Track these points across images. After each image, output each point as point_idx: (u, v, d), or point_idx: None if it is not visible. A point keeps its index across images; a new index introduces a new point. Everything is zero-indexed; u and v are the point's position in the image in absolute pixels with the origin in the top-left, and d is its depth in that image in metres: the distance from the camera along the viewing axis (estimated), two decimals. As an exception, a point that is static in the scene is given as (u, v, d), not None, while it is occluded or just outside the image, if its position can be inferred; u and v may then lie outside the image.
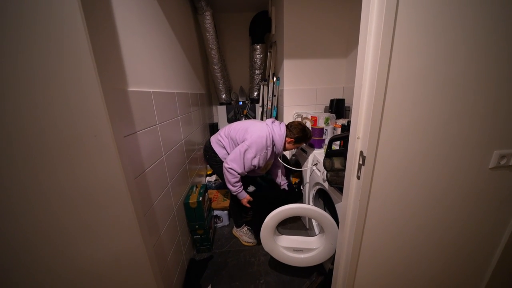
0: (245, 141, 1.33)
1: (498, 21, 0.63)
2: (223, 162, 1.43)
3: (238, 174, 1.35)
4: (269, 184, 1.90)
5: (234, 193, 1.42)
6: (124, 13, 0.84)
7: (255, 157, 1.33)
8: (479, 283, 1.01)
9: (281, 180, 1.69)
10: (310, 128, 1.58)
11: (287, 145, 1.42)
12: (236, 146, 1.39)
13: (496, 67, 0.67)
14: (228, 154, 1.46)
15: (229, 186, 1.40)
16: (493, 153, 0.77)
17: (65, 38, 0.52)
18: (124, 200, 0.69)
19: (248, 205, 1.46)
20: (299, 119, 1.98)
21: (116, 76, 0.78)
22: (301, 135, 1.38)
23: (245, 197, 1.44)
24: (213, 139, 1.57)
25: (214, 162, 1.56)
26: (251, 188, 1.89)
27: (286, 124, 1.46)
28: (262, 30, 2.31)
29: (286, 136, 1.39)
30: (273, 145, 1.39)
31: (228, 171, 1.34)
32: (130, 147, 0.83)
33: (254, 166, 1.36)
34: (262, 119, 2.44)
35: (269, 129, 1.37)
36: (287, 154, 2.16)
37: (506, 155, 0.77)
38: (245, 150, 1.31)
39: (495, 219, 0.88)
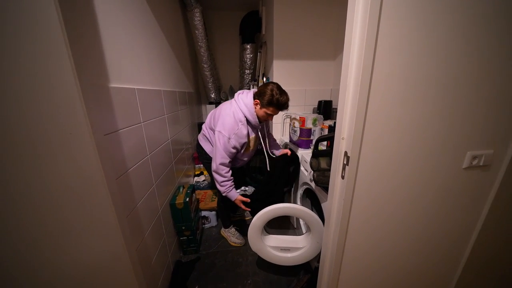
0: (216, 130, 1.23)
1: (475, 28, 0.67)
2: (206, 152, 1.42)
3: (224, 166, 1.24)
4: (265, 179, 1.68)
5: (224, 194, 1.31)
6: (105, 4, 0.80)
7: (229, 138, 1.21)
8: (452, 275, 1.07)
9: (282, 150, 1.56)
10: (298, 128, 1.59)
11: (256, 109, 1.24)
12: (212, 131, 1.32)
13: (473, 71, 0.71)
14: (211, 144, 1.40)
15: (218, 187, 1.32)
16: (466, 154, 0.82)
17: (37, 29, 0.49)
18: (104, 201, 0.66)
19: (243, 206, 1.32)
20: (288, 120, 1.99)
21: (96, 71, 0.74)
22: (269, 94, 1.18)
23: (236, 197, 1.32)
24: (200, 135, 1.54)
25: (205, 159, 1.49)
26: (249, 190, 1.75)
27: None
28: (252, 29, 2.31)
29: (254, 98, 1.24)
30: (246, 118, 1.25)
31: (214, 172, 1.27)
32: (111, 145, 0.79)
33: (235, 148, 1.25)
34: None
35: (234, 105, 1.25)
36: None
37: (478, 156, 0.82)
38: (218, 138, 1.21)
39: (468, 216, 0.94)
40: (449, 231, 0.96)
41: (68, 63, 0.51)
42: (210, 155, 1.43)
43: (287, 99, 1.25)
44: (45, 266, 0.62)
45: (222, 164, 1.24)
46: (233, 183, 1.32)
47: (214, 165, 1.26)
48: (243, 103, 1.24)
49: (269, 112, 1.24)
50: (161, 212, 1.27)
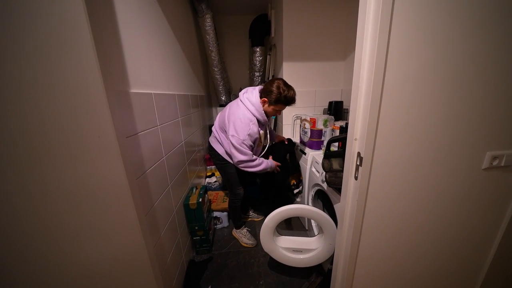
0: (229, 135, 1.25)
1: (491, 26, 0.65)
2: (225, 160, 1.45)
3: (250, 160, 1.27)
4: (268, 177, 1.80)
5: (266, 170, 1.34)
6: (126, 16, 0.85)
7: (244, 140, 1.24)
8: (474, 281, 1.03)
9: (278, 137, 1.69)
10: (309, 130, 1.59)
11: (264, 107, 1.28)
12: (225, 135, 1.35)
13: (490, 70, 0.69)
14: (224, 148, 1.43)
15: (255, 170, 1.31)
16: (486, 154, 0.79)
17: (70, 41, 0.53)
18: (126, 200, 0.70)
19: (278, 169, 1.47)
20: (298, 121, 2.00)
21: (119, 78, 0.80)
22: (276, 92, 1.20)
23: (273, 164, 1.38)
24: (211, 137, 1.57)
25: (218, 160, 1.50)
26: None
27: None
28: (261, 33, 2.34)
29: (261, 97, 1.27)
30: (255, 117, 1.27)
31: (241, 166, 1.30)
32: (132, 148, 0.84)
33: (250, 147, 1.28)
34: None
35: (242, 107, 1.26)
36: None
37: (498, 156, 0.79)
38: (234, 142, 1.23)
39: (489, 219, 0.90)
40: (470, 234, 0.92)
41: (97, 72, 0.56)
42: (222, 156, 1.47)
43: (294, 93, 1.27)
44: (69, 262, 0.67)
45: (244, 160, 1.26)
46: (262, 158, 1.36)
47: (237, 162, 1.28)
48: (250, 102, 1.26)
49: (277, 108, 1.27)
50: (176, 212, 1.31)
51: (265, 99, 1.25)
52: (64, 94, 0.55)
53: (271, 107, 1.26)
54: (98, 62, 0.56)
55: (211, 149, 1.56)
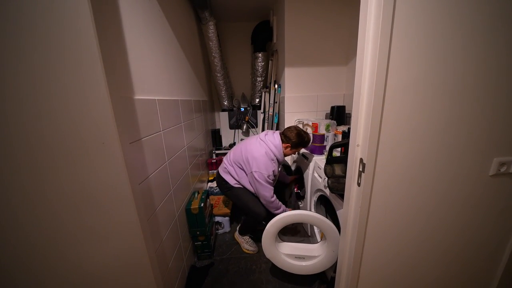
0: (252, 171, 1.38)
1: (496, 29, 0.65)
2: (233, 187, 1.52)
3: (272, 197, 1.41)
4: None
5: (282, 212, 1.45)
6: (131, 24, 0.88)
7: (268, 175, 1.39)
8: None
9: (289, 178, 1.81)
10: (311, 134, 1.59)
11: (285, 151, 1.46)
12: (242, 170, 1.48)
13: (495, 74, 0.69)
14: (235, 179, 1.52)
15: (274, 212, 1.44)
16: (493, 161, 0.78)
17: (77, 50, 0.55)
18: (128, 205, 0.70)
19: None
20: (300, 126, 2.00)
21: (124, 85, 0.81)
22: (297, 140, 1.42)
23: (285, 210, 1.48)
24: (220, 168, 1.64)
25: (226, 188, 1.58)
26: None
27: (282, 131, 1.50)
28: (263, 38, 2.37)
29: (282, 141, 1.44)
30: (276, 157, 1.44)
31: (268, 205, 1.43)
32: (135, 153, 0.85)
33: (273, 180, 1.45)
34: (263, 125, 2.46)
35: (264, 146, 1.41)
36: (289, 161, 2.17)
37: (506, 162, 0.78)
38: (259, 177, 1.37)
39: (497, 226, 0.88)
40: (475, 241, 0.90)
41: (102, 79, 0.57)
42: (233, 185, 1.53)
43: (309, 137, 1.50)
44: (70, 267, 0.67)
45: (270, 196, 1.41)
46: (281, 203, 1.50)
47: (264, 200, 1.43)
48: (272, 145, 1.42)
49: (297, 151, 1.49)
50: (178, 217, 1.31)
51: (288, 144, 1.44)
52: (69, 101, 0.57)
53: (293, 150, 1.47)
54: (104, 70, 0.58)
55: (220, 179, 1.60)
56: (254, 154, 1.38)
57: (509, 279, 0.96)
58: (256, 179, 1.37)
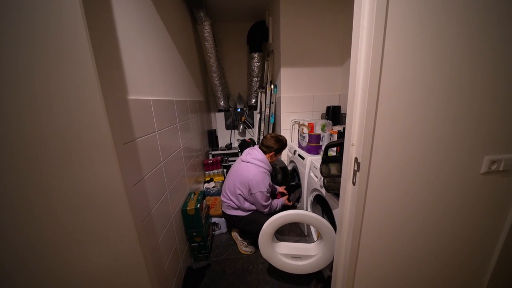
0: (253, 193, 1.47)
1: (486, 31, 0.67)
2: (244, 217, 1.57)
3: (269, 205, 1.53)
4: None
5: (278, 208, 1.60)
6: (124, 23, 0.87)
7: (267, 189, 1.50)
8: (478, 286, 1.01)
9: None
10: (307, 135, 1.61)
11: (271, 160, 1.58)
12: (243, 197, 1.53)
13: (487, 74, 0.70)
14: (242, 209, 1.57)
15: (278, 209, 1.58)
16: (484, 159, 0.79)
17: (68, 49, 0.54)
18: (122, 207, 0.69)
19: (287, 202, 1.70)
20: (296, 126, 2.01)
21: (117, 85, 0.80)
22: (278, 145, 1.55)
23: (283, 202, 1.64)
24: (223, 209, 1.67)
25: (237, 220, 1.60)
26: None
27: (259, 144, 1.63)
28: (259, 39, 2.37)
29: (264, 153, 1.56)
30: (267, 170, 1.56)
31: (267, 207, 1.53)
32: (129, 154, 0.84)
33: (269, 190, 1.56)
34: (260, 126, 2.46)
35: (253, 166, 1.51)
36: (285, 161, 2.17)
37: (497, 160, 0.79)
38: (260, 196, 1.47)
39: (489, 223, 0.90)
40: (470, 238, 0.92)
41: (94, 79, 0.56)
42: (244, 216, 1.58)
43: (285, 138, 1.63)
44: (66, 268, 0.66)
45: (268, 206, 1.53)
46: (275, 200, 1.64)
47: (264, 210, 1.53)
48: (259, 161, 1.53)
49: (280, 155, 1.61)
50: (173, 218, 1.30)
51: (272, 152, 1.55)
52: (61, 101, 0.55)
53: (277, 156, 1.59)
54: (96, 69, 0.57)
55: (229, 217, 1.63)
56: (250, 177, 1.47)
57: (499, 275, 0.98)
58: (258, 200, 1.48)
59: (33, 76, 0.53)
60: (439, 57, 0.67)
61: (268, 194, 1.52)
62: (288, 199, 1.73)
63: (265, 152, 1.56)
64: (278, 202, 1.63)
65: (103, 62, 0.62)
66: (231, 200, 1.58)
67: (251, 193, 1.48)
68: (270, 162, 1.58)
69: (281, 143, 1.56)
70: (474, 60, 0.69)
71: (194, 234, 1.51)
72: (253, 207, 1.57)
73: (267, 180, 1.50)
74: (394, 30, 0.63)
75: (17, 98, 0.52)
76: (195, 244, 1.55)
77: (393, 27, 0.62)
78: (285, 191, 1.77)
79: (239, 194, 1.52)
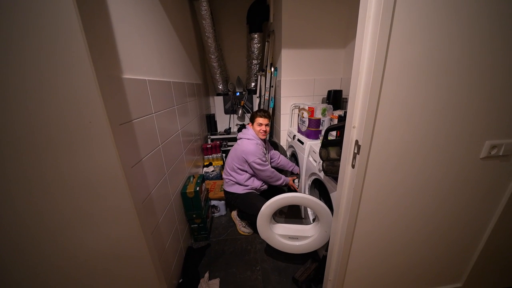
0: (250, 162, 1.55)
1: (493, 14, 0.63)
2: (240, 194, 1.61)
3: (268, 172, 1.60)
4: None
5: (284, 183, 1.69)
6: (116, -4, 0.80)
7: (262, 157, 1.57)
8: (466, 265, 1.07)
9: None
10: (307, 119, 1.59)
11: (255, 131, 1.64)
12: (241, 171, 1.61)
13: (490, 58, 0.68)
14: (241, 185, 1.62)
15: (277, 184, 1.66)
16: (484, 143, 0.79)
17: (56, 23, 0.50)
18: (121, 187, 0.69)
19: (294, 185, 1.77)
20: (296, 111, 1.98)
21: (111, 62, 0.76)
22: (251, 115, 1.68)
23: (287, 181, 1.72)
24: (225, 186, 1.72)
25: (234, 197, 1.64)
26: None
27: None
28: (260, 18, 2.25)
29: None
30: (256, 140, 1.63)
31: (266, 173, 1.59)
32: (126, 135, 0.82)
33: (266, 159, 1.65)
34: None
35: (246, 140, 1.62)
36: (284, 146, 2.17)
37: (497, 145, 0.79)
38: (255, 162, 1.54)
39: (482, 207, 0.92)
40: (464, 220, 0.95)
41: (86, 55, 0.53)
42: (241, 192, 1.62)
43: (262, 109, 1.72)
44: (63, 253, 0.66)
45: (270, 172, 1.61)
46: (281, 174, 1.70)
47: (266, 179, 1.62)
48: (249, 135, 1.64)
49: (258, 123, 1.63)
50: (173, 200, 1.32)
51: (250, 124, 1.70)
52: (50, 78, 0.53)
53: (254, 125, 1.65)
54: (87, 45, 0.53)
55: (228, 194, 1.68)
56: (244, 149, 1.57)
57: (487, 256, 1.02)
58: (256, 167, 1.56)
59: (23, 52, 0.49)
60: (446, 39, 0.64)
61: (264, 161, 1.59)
62: (293, 189, 1.77)
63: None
64: (282, 175, 1.69)
65: (94, 36, 0.58)
66: (230, 175, 1.65)
67: (248, 164, 1.57)
68: (257, 134, 1.66)
69: (252, 113, 1.70)
70: (478, 44, 0.66)
71: (194, 215, 1.54)
72: (250, 183, 1.62)
73: (259, 149, 1.59)
74: (403, 9, 0.59)
75: (5, 76, 0.49)
76: (195, 225, 1.59)
77: (402, 5, 0.59)
78: (294, 184, 1.79)
79: (237, 167, 1.61)
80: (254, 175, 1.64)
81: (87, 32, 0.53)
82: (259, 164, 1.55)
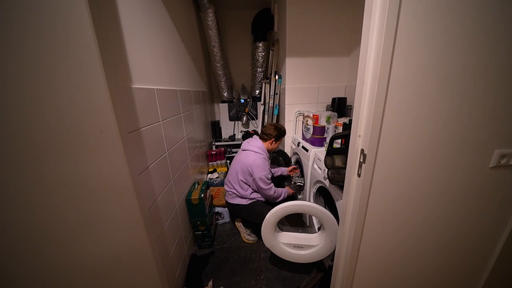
0: (255, 178, 1.52)
1: (498, 21, 0.63)
2: (245, 205, 1.60)
3: (273, 190, 1.56)
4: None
5: (284, 197, 1.63)
6: (128, 11, 0.84)
7: (267, 174, 1.54)
8: (478, 280, 1.02)
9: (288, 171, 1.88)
10: (311, 126, 1.59)
11: (270, 146, 1.64)
12: (244, 184, 1.58)
13: (496, 66, 0.67)
14: (244, 197, 1.60)
15: (281, 198, 1.61)
16: (493, 153, 0.77)
17: (72, 37, 0.53)
18: (128, 194, 0.70)
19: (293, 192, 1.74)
20: (301, 118, 1.99)
21: (121, 74, 0.79)
22: (277, 132, 1.62)
23: (288, 192, 1.67)
24: (227, 197, 1.70)
25: (239, 209, 1.64)
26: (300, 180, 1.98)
27: (260, 133, 1.71)
28: (264, 27, 2.31)
29: (264, 140, 1.63)
30: (264, 156, 1.62)
31: (269, 192, 1.55)
32: (135, 143, 0.84)
33: (271, 177, 1.62)
34: (263, 117, 2.44)
35: (253, 152, 1.58)
36: (289, 153, 2.17)
37: (507, 154, 0.77)
38: (262, 180, 1.51)
39: (494, 218, 0.89)
40: (475, 233, 0.92)
41: (99, 67, 0.56)
42: (246, 204, 1.61)
43: (283, 126, 1.71)
44: (68, 258, 0.66)
45: (273, 192, 1.56)
46: (280, 188, 1.65)
47: (268, 198, 1.58)
48: (257, 147, 1.60)
49: (280, 142, 1.67)
50: (178, 207, 1.32)
51: (272, 139, 1.62)
52: (66, 89, 0.55)
53: (277, 142, 1.65)
54: (101, 58, 0.56)
55: (231, 206, 1.67)
56: (251, 163, 1.52)
57: (501, 268, 0.98)
58: (260, 185, 1.52)
59: (36, 63, 0.52)
60: (452, 46, 0.64)
61: (269, 180, 1.56)
62: (293, 194, 1.75)
63: (265, 140, 1.63)
64: (282, 190, 1.65)
65: (107, 49, 0.60)
66: (234, 188, 1.62)
67: (253, 179, 1.53)
68: (270, 150, 1.65)
69: (280, 130, 1.63)
70: (484, 51, 0.65)
71: (198, 222, 1.54)
72: (255, 196, 1.60)
73: (266, 165, 1.57)
74: (408, 16, 0.60)
75: (20, 87, 0.52)
76: (199, 232, 1.59)
77: (407, 13, 0.59)
78: (291, 173, 1.80)
79: (241, 181, 1.58)
80: (257, 190, 1.60)
81: (100, 45, 0.56)
82: (264, 182, 1.51)
